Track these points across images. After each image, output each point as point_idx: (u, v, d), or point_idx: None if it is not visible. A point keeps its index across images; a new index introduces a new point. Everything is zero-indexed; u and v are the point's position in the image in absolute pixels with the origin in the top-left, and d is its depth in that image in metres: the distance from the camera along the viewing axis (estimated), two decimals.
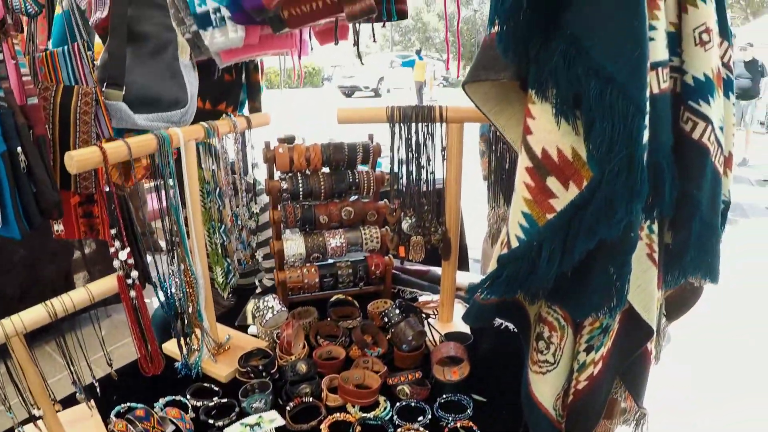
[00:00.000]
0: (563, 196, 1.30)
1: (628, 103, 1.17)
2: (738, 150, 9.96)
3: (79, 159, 1.68)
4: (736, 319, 4.57)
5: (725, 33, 1.51)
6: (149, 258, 2.45)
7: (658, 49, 1.32)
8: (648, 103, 1.23)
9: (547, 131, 1.31)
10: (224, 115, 2.17)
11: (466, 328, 2.23)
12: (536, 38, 1.28)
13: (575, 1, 1.22)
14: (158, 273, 1.91)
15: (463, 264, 3.11)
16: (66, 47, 2.11)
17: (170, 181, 1.86)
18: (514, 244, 1.38)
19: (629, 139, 1.17)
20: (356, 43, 2.40)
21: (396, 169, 2.06)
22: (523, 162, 1.36)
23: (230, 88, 2.78)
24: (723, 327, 4.34)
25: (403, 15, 2.29)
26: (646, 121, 1.22)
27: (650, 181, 1.34)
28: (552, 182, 1.31)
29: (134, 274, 1.82)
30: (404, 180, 2.04)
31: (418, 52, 21.55)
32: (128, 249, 1.83)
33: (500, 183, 2.08)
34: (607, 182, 1.20)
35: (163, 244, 1.96)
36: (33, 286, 4.34)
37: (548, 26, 1.26)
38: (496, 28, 1.29)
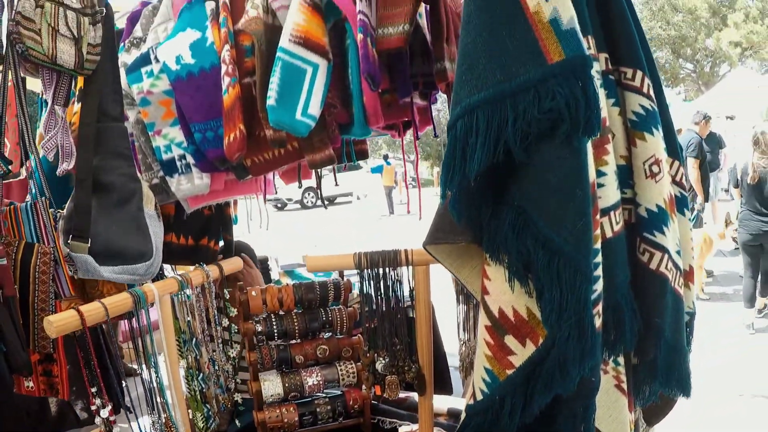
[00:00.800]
0: (521, 353, 1.35)
1: (574, 272, 1.22)
2: (708, 225, 10.09)
3: (58, 325, 1.71)
4: (718, 396, 4.55)
5: (674, 153, 1.60)
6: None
7: (610, 194, 1.39)
8: (600, 254, 1.29)
9: (503, 292, 1.37)
10: (196, 266, 2.21)
11: None
12: (486, 207, 1.35)
13: (521, 174, 1.28)
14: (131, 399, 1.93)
15: (443, 382, 3.11)
16: (29, 204, 2.12)
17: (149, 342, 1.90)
18: (479, 396, 1.43)
19: (577, 305, 1.23)
20: (318, 187, 2.48)
21: (366, 303, 2.09)
22: (482, 320, 1.42)
23: (210, 222, 2.79)
24: (705, 404, 4.32)
25: (363, 155, 2.39)
26: (599, 272, 1.28)
27: (611, 321, 1.40)
28: (510, 340, 1.36)
29: (116, 430, 1.84)
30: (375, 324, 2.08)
31: (385, 158, 21.24)
32: (110, 406, 1.85)
33: (469, 314, 2.12)
34: (559, 346, 1.26)
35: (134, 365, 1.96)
36: (6, 410, 4.24)
37: (497, 197, 1.33)
38: (449, 195, 1.36)
